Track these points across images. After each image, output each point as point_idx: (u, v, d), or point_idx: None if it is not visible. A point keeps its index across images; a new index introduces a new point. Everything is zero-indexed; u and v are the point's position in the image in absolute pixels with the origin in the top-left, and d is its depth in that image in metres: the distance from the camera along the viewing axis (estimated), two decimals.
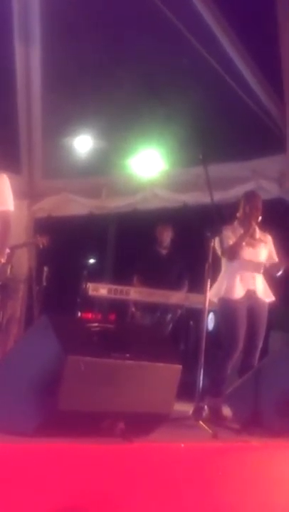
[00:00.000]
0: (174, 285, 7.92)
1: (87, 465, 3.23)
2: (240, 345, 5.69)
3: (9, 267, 7.54)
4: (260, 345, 5.83)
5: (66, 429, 3.39)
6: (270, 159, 7.37)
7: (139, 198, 8.29)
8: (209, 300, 5.22)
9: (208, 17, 7.38)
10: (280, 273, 5.91)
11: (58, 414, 3.40)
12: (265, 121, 7.50)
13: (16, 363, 3.62)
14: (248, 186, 7.15)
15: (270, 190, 7.30)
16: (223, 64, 7.52)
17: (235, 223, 5.86)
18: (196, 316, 7.50)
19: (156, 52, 7.51)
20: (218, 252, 5.65)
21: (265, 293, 5.85)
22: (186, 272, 8.07)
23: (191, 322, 7.77)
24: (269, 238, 5.98)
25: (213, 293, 5.71)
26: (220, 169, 6.99)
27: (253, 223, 5.81)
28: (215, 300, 5.76)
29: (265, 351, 6.09)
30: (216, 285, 5.78)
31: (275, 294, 5.91)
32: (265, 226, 6.02)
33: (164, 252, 8.21)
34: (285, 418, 4.53)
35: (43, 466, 3.06)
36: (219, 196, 6.44)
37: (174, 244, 8.24)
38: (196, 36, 7.37)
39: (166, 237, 8.18)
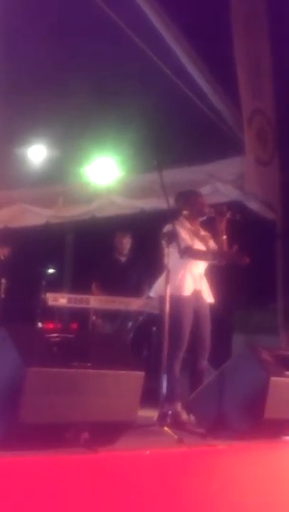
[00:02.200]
0: (134, 292, 7.90)
1: (51, 477, 3.18)
2: (185, 345, 5.66)
3: None
4: (209, 345, 5.80)
5: (29, 442, 3.34)
6: (225, 163, 7.41)
7: (96, 206, 8.27)
8: (149, 302, 5.16)
9: (158, 22, 7.39)
10: (225, 262, 5.90)
11: (20, 426, 3.35)
12: (219, 125, 7.54)
13: None
14: (205, 190, 7.17)
15: (226, 193, 7.34)
16: (174, 69, 7.55)
17: (181, 219, 5.83)
18: (158, 321, 7.48)
19: (107, 59, 7.50)
20: (165, 250, 5.49)
21: (208, 294, 5.86)
22: (145, 278, 8.04)
23: (154, 328, 7.74)
24: (209, 236, 6.01)
25: (153, 290, 5.72)
26: (176, 174, 7.01)
27: (199, 218, 5.86)
28: (154, 296, 5.74)
29: (228, 355, 6.08)
30: (158, 282, 5.75)
31: (234, 297, 5.92)
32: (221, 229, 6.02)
33: (122, 259, 8.18)
34: (250, 420, 4.52)
35: (7, 480, 3.01)
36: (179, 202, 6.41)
37: (132, 250, 8.22)
38: (147, 42, 7.38)
39: (125, 244, 8.15)
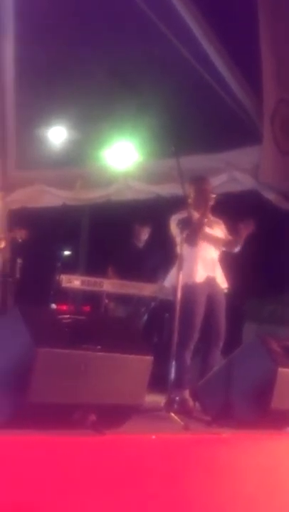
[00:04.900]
0: (150, 277, 7.93)
1: (58, 457, 3.23)
2: (197, 333, 5.68)
3: None
4: (223, 333, 5.82)
5: (37, 422, 3.39)
6: (243, 151, 7.36)
7: (113, 190, 8.26)
8: (163, 287, 5.20)
9: (182, 8, 7.35)
10: (237, 249, 5.95)
11: (29, 406, 3.40)
12: (238, 113, 7.50)
13: None
14: (221, 178, 7.15)
15: (243, 181, 7.31)
16: (196, 55, 7.50)
17: (190, 209, 5.83)
18: (170, 308, 7.50)
19: (130, 43, 7.47)
20: (177, 238, 5.56)
21: (222, 280, 5.87)
22: (161, 265, 8.06)
23: (167, 314, 7.76)
24: (221, 222, 6.04)
25: (167, 279, 5.74)
26: (193, 161, 6.98)
27: (208, 205, 5.84)
28: (168, 286, 5.77)
29: (238, 343, 6.10)
30: (172, 271, 5.77)
31: (247, 286, 5.95)
32: (237, 217, 6.04)
33: (140, 245, 8.22)
34: (256, 410, 4.55)
35: (14, 459, 3.05)
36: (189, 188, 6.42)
37: (148, 236, 8.25)
38: (169, 27, 7.34)
39: (144, 234, 8.21)
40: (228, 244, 5.94)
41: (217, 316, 5.82)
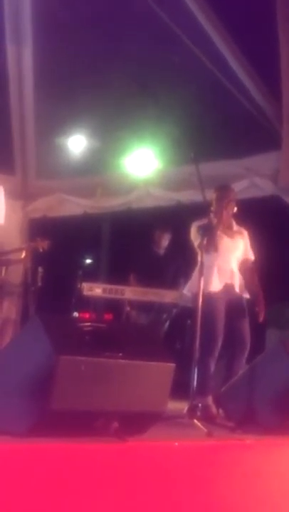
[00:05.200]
0: (171, 284, 7.92)
1: (81, 465, 3.22)
2: (220, 341, 5.66)
3: (4, 268, 7.55)
4: (248, 340, 5.79)
5: (59, 429, 3.38)
6: (263, 157, 7.35)
7: (134, 197, 8.28)
8: (183, 294, 5.19)
9: (201, 15, 7.36)
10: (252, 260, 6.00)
11: (51, 414, 3.39)
12: (257, 119, 7.49)
13: (8, 364, 3.61)
14: (242, 184, 7.15)
15: (264, 187, 7.30)
16: (215, 62, 7.50)
17: (211, 216, 5.80)
18: (192, 315, 7.49)
19: (149, 51, 7.49)
20: (195, 244, 5.58)
21: (241, 289, 5.85)
22: (182, 272, 8.05)
23: (189, 321, 7.74)
24: (245, 233, 6.03)
25: (187, 287, 5.73)
26: (213, 167, 6.98)
27: (226, 213, 5.84)
28: (188, 294, 5.76)
29: (261, 350, 6.07)
30: (192, 279, 5.78)
31: (268, 292, 5.93)
32: (259, 223, 6.03)
33: (160, 252, 8.22)
34: (280, 415, 4.52)
35: (37, 467, 3.05)
36: (211, 196, 6.42)
37: (169, 243, 8.25)
38: (189, 34, 7.35)
39: (165, 241, 8.20)
40: (244, 261, 5.96)
41: (240, 323, 5.80)
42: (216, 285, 5.71)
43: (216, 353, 5.68)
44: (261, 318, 5.96)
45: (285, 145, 7.10)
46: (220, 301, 5.69)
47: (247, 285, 5.95)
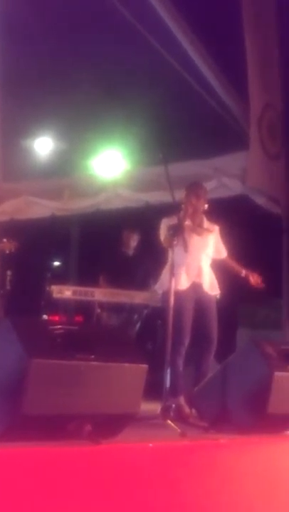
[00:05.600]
0: (140, 285, 7.90)
1: (54, 468, 3.19)
2: (187, 339, 5.66)
3: None
4: (216, 338, 5.79)
5: (32, 433, 3.35)
6: (231, 157, 7.39)
7: (102, 199, 8.26)
8: (154, 295, 5.18)
9: (167, 16, 7.37)
10: (224, 255, 6.03)
11: (23, 418, 3.36)
12: (225, 119, 7.52)
13: None
14: (211, 184, 7.16)
15: (232, 187, 7.33)
16: (182, 63, 7.52)
17: (180, 215, 5.77)
18: (162, 315, 7.49)
19: (114, 51, 7.47)
20: (165, 242, 5.59)
21: (211, 287, 5.84)
22: (152, 272, 8.04)
23: (159, 321, 7.73)
24: (216, 228, 6.01)
25: (157, 285, 5.73)
26: (182, 168, 6.99)
27: (195, 210, 5.83)
28: (160, 292, 5.77)
29: (232, 349, 6.08)
30: (161, 277, 5.78)
31: (238, 291, 5.94)
32: (228, 223, 6.04)
33: (129, 252, 8.20)
34: (253, 414, 4.52)
35: (10, 471, 3.02)
36: (182, 195, 6.42)
37: (138, 244, 8.23)
38: (154, 35, 7.35)
39: (133, 241, 8.18)
40: (216, 252, 5.96)
41: (208, 321, 5.80)
42: (183, 283, 5.70)
43: (183, 351, 5.66)
44: (253, 279, 6.02)
45: (253, 146, 7.14)
46: (187, 300, 5.68)
47: (229, 269, 5.98)
